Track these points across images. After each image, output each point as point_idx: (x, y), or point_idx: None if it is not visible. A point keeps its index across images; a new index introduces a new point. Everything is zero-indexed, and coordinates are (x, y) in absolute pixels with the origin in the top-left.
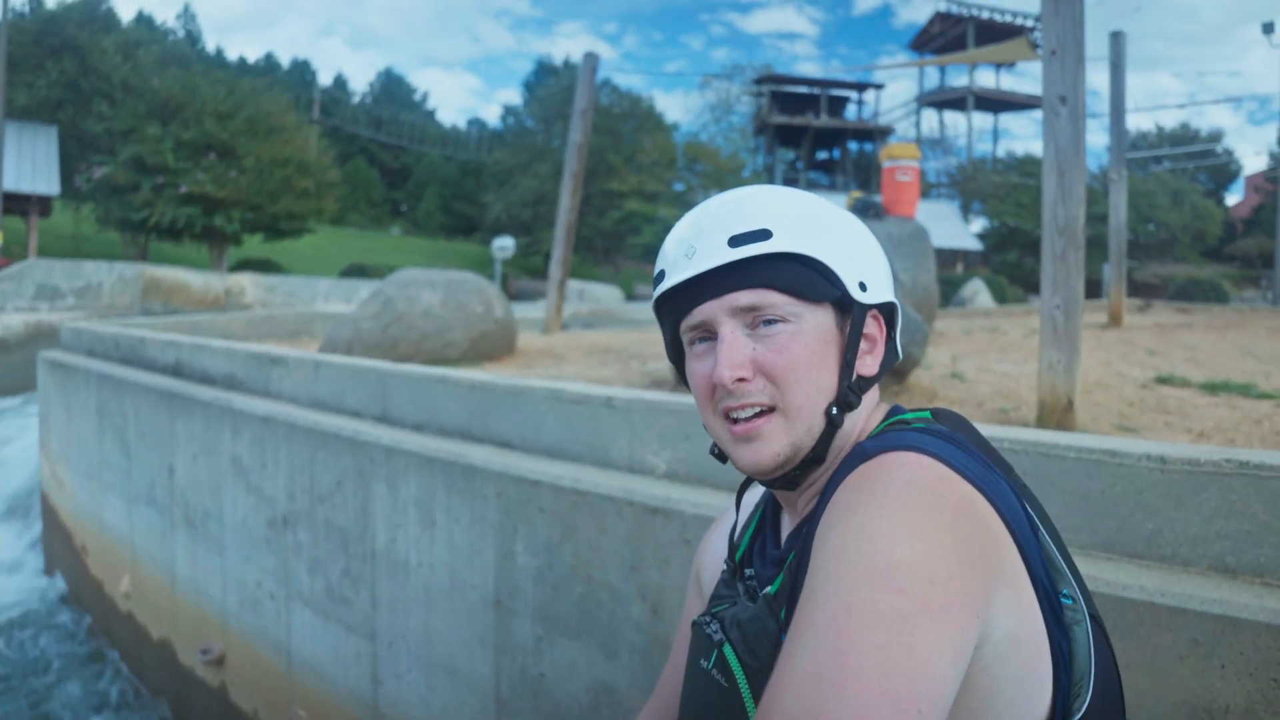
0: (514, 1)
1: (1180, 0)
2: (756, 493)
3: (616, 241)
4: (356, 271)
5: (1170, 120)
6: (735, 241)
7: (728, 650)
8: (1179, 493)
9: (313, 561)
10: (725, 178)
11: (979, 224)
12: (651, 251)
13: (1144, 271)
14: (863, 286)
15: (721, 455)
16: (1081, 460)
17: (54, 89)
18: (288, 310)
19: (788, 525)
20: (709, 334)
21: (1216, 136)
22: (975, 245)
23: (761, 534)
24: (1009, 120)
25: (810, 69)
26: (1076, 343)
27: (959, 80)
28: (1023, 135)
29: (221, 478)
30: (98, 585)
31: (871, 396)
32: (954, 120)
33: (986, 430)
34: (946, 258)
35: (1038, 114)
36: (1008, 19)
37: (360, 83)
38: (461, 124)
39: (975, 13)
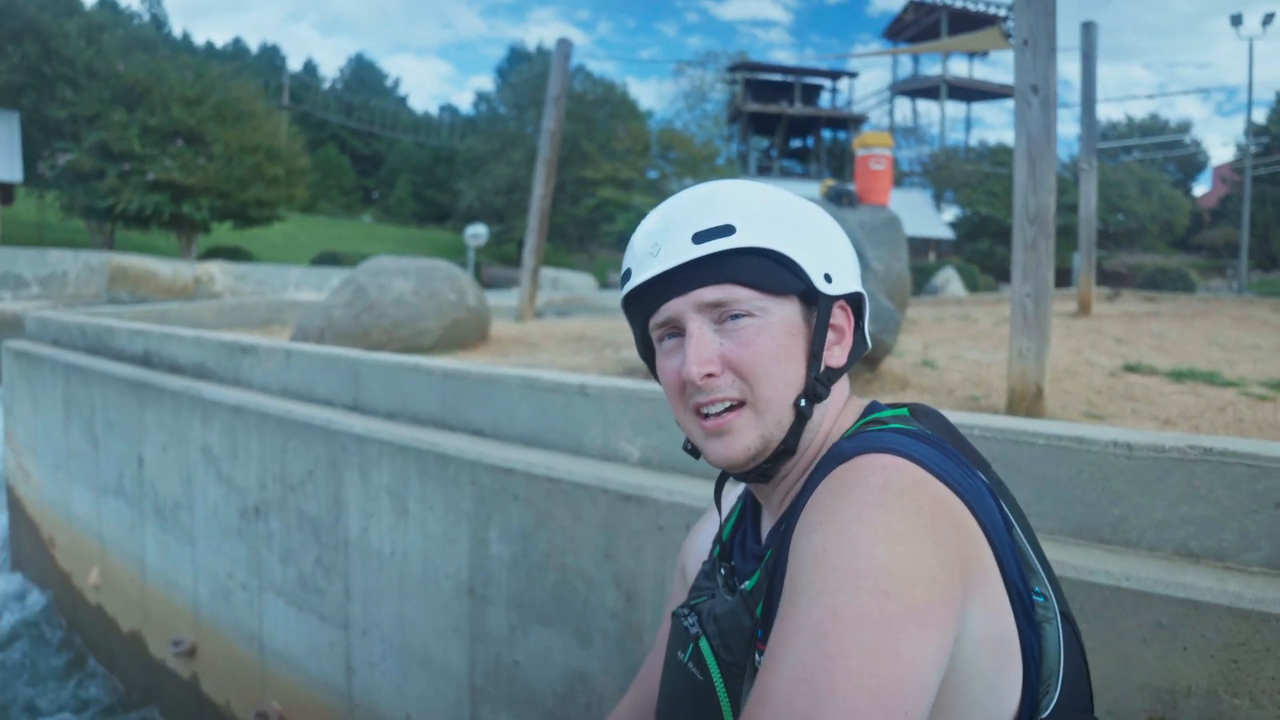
0: None
1: None
2: (734, 487)
3: (590, 229)
4: (328, 259)
5: (1140, 111)
6: (699, 238)
7: (703, 644)
8: (1145, 479)
9: (285, 551)
10: (699, 165)
11: (951, 213)
12: (625, 239)
13: (1113, 260)
14: (828, 278)
15: (694, 450)
16: (1050, 447)
17: (15, 74)
18: (258, 299)
19: (767, 520)
20: (677, 330)
21: (1185, 127)
22: (947, 234)
23: (742, 527)
24: (982, 109)
25: (784, 57)
26: (1046, 331)
27: (932, 69)
28: (995, 124)
29: (192, 468)
30: (65, 577)
31: (842, 387)
32: (927, 109)
33: (957, 418)
34: (919, 246)
35: (1010, 103)
36: (981, 8)
37: (331, 69)
38: (434, 110)
39: (949, 2)
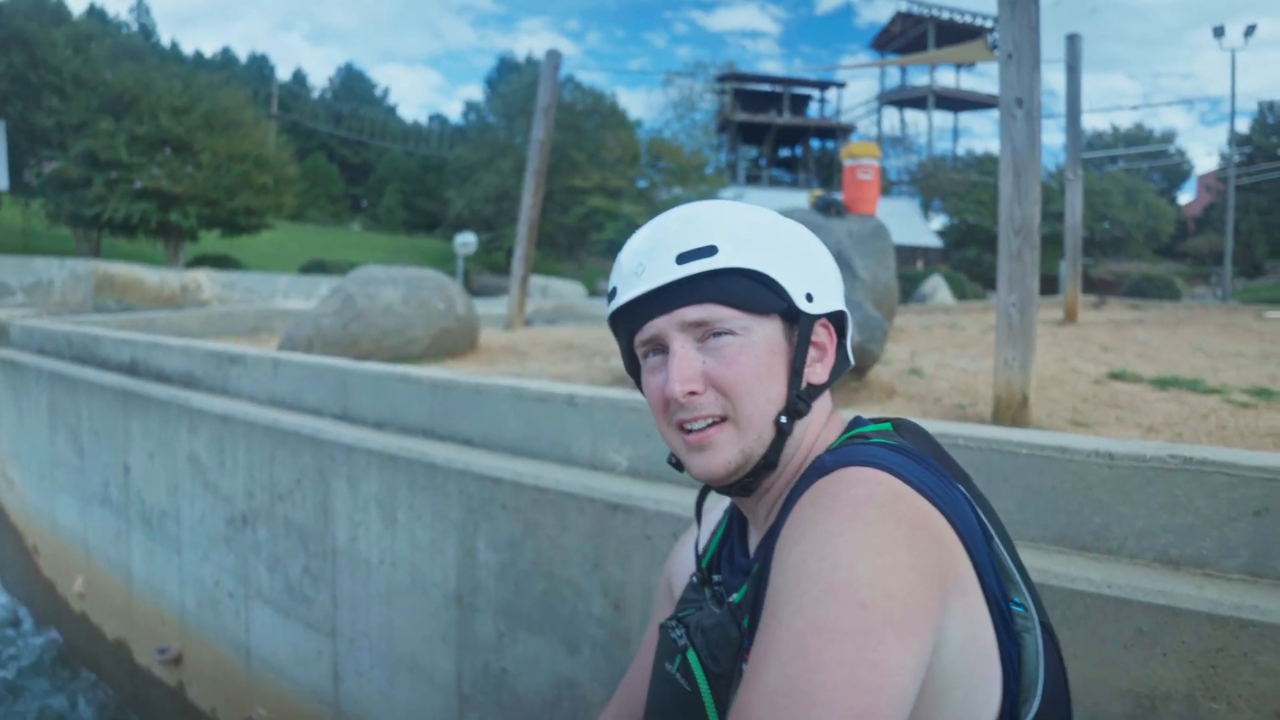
0: None
1: (1136, 3)
2: (720, 500)
3: (580, 238)
4: (316, 268)
5: (1125, 121)
6: (682, 258)
7: (691, 655)
8: (1126, 487)
9: (272, 560)
10: (688, 174)
11: (939, 221)
12: (614, 248)
13: (1099, 268)
14: (809, 297)
15: (679, 464)
16: (1033, 457)
17: (1, 82)
18: (246, 307)
19: (754, 533)
20: (661, 348)
21: (1169, 137)
22: (935, 242)
23: (729, 541)
24: (969, 119)
25: (773, 67)
26: (1031, 340)
27: (920, 79)
28: (982, 134)
29: (179, 476)
30: (50, 586)
31: (824, 402)
32: (915, 119)
33: (943, 426)
34: (907, 255)
35: (997, 113)
36: (968, 19)
37: (320, 78)
38: (423, 120)
39: (936, 13)
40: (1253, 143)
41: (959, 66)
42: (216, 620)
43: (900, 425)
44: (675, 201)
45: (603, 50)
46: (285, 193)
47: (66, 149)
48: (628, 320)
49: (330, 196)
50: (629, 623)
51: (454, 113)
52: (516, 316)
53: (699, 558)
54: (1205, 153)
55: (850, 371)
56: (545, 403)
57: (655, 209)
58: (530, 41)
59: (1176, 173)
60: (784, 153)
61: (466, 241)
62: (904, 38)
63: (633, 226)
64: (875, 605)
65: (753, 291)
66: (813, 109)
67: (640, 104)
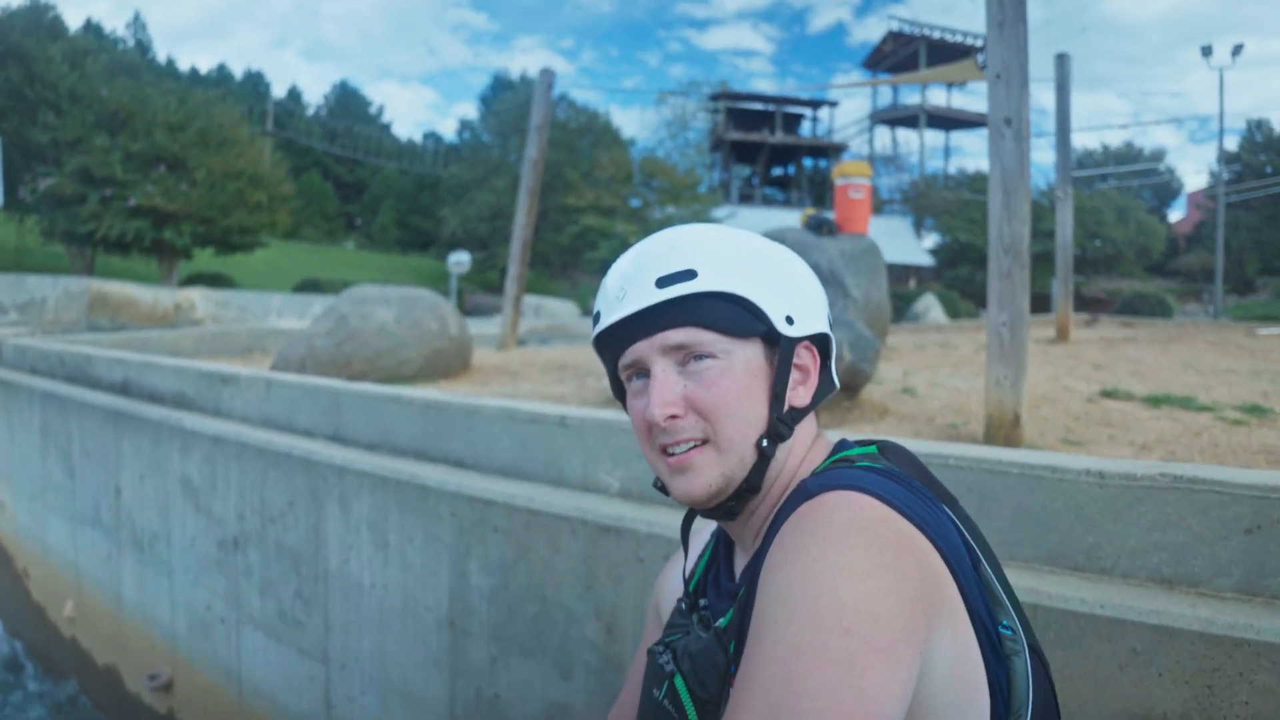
0: (471, 15)
1: (1124, 23)
2: (707, 524)
3: (573, 256)
4: (310, 286)
5: (1115, 139)
6: (662, 282)
7: (679, 681)
8: (1117, 506)
9: (264, 583)
10: (681, 193)
11: (931, 239)
12: (607, 267)
13: (1091, 286)
14: (790, 320)
15: (664, 487)
16: (1024, 476)
17: None
18: (239, 326)
19: (740, 557)
20: (643, 372)
21: (1159, 155)
22: (928, 261)
23: (715, 565)
24: (960, 138)
25: (766, 86)
26: (1022, 359)
27: (911, 98)
28: (974, 152)
29: (170, 498)
30: (40, 610)
31: (808, 425)
32: (907, 137)
33: (935, 446)
34: (899, 273)
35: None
36: (958, 39)
37: (315, 95)
38: (418, 138)
39: (927, 33)
40: (1242, 160)
41: (950, 85)
42: (207, 645)
43: (886, 448)
44: (668, 220)
45: (597, 69)
46: (280, 210)
47: (61, 165)
48: (611, 344)
49: (324, 214)
50: (622, 646)
51: (449, 131)
52: (510, 336)
53: (686, 581)
54: (1195, 170)
55: (843, 390)
56: (537, 424)
57: (648, 228)
58: (525, 60)
59: (1166, 190)
60: (777, 171)
61: (460, 260)
62: (895, 57)
63: (626, 245)
64: (860, 631)
65: (733, 315)
66: (805, 128)
67: (634, 123)
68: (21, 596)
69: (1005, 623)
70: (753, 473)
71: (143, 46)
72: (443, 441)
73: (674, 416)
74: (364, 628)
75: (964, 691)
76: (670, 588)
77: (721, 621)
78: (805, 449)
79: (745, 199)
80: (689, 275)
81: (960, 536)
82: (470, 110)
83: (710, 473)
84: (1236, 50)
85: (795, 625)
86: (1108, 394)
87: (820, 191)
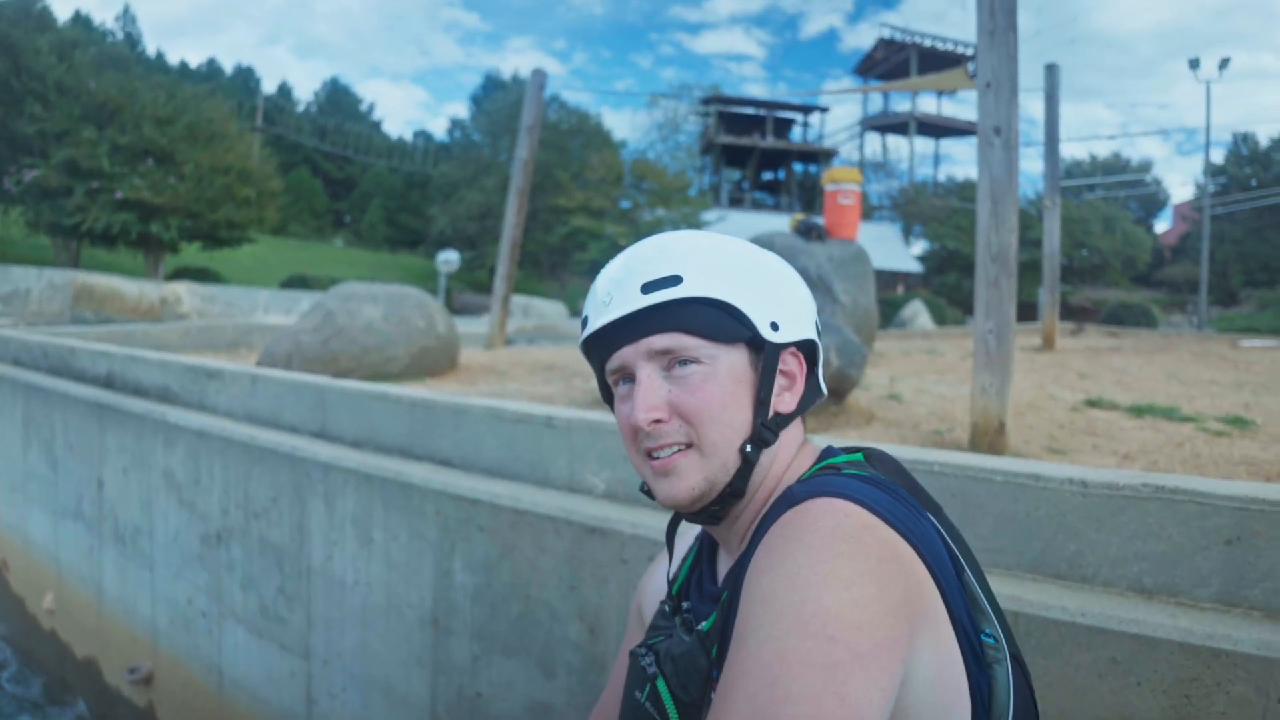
0: (463, 15)
1: (1113, 35)
2: (692, 527)
3: (562, 257)
4: (298, 282)
5: (1103, 150)
6: (647, 288)
7: (660, 684)
8: (1099, 515)
9: (246, 579)
10: (671, 196)
11: (920, 246)
12: (597, 268)
13: (1077, 295)
14: (774, 326)
15: (650, 490)
16: (1008, 484)
17: None
18: (226, 321)
19: (724, 561)
20: (630, 376)
21: (1146, 166)
22: (916, 267)
23: (699, 568)
24: (950, 145)
25: (757, 90)
26: (1008, 367)
27: (902, 105)
28: (964, 160)
29: (153, 492)
30: (19, 602)
31: (794, 431)
32: (896, 144)
33: (920, 453)
34: (887, 279)
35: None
36: (949, 47)
37: (305, 92)
38: (408, 136)
39: (918, 40)
40: (1228, 173)
41: (941, 93)
42: (189, 640)
43: (872, 455)
44: (658, 222)
45: (589, 70)
46: (268, 206)
47: (48, 157)
48: (599, 348)
49: (313, 211)
50: (605, 646)
51: (439, 129)
52: (497, 336)
53: (670, 583)
54: (1181, 182)
55: (829, 396)
56: (524, 424)
57: (638, 230)
58: (517, 60)
59: (1153, 201)
60: (767, 176)
61: (449, 259)
62: (887, 64)
63: (615, 247)
64: (843, 638)
65: (717, 320)
66: (796, 133)
67: (625, 125)
68: (1, 588)
69: (988, 631)
70: (736, 477)
71: (132, 40)
72: (429, 440)
73: (658, 421)
74: (346, 624)
75: (945, 699)
76: (653, 589)
77: (704, 625)
78: (791, 455)
79: (735, 203)
80: (674, 281)
81: (944, 544)
82: (461, 110)
83: (693, 476)
84: (1224, 64)
85: (779, 631)
86: (1092, 403)
87: (810, 196)
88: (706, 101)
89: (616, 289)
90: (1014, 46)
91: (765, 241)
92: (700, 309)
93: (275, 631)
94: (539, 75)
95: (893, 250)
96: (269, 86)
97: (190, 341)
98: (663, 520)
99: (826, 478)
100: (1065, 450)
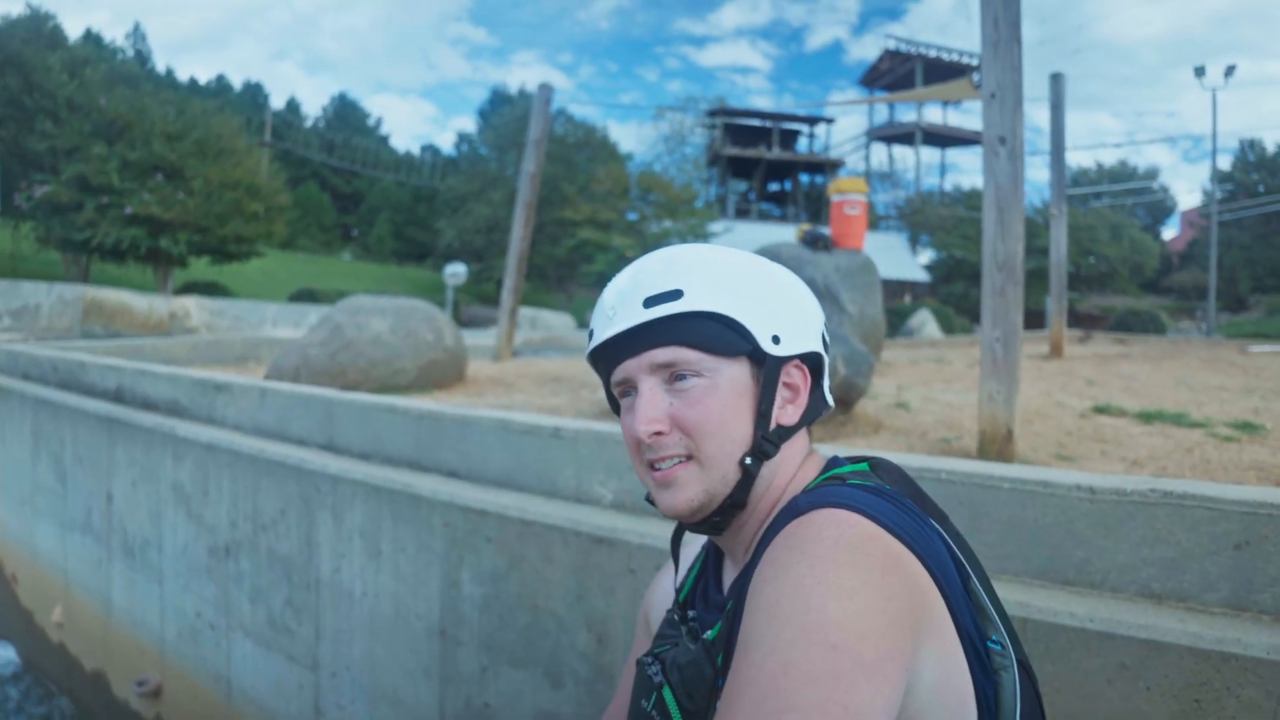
0: (470, 30)
1: (1118, 44)
2: (698, 537)
3: (569, 269)
4: (306, 296)
5: (1109, 158)
6: (649, 302)
7: (667, 693)
8: (1108, 521)
9: (255, 591)
10: (678, 208)
11: (926, 255)
12: (604, 280)
13: (1085, 303)
14: (776, 339)
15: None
16: (1016, 491)
17: None
18: (234, 335)
19: (729, 570)
20: (633, 389)
21: (1153, 174)
22: (922, 276)
23: (705, 578)
24: (956, 155)
25: (763, 103)
26: (1015, 375)
27: (907, 116)
28: (969, 169)
29: (162, 505)
30: (28, 615)
31: (799, 442)
32: (902, 154)
33: (927, 461)
34: (894, 289)
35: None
36: (954, 58)
37: (313, 107)
38: (415, 150)
39: (923, 51)
40: (1234, 180)
41: (946, 103)
42: (197, 652)
43: (877, 465)
44: (665, 234)
45: (595, 84)
46: (276, 221)
47: (58, 173)
48: (605, 360)
49: (321, 225)
50: (612, 656)
51: (446, 143)
52: (505, 348)
53: (676, 592)
54: (1188, 189)
55: (837, 405)
56: (531, 435)
57: (645, 241)
58: (523, 74)
59: (1160, 209)
60: (773, 187)
61: (456, 272)
62: (892, 75)
63: (622, 259)
64: (847, 648)
65: (718, 334)
66: (802, 144)
67: (631, 137)
68: (9, 601)
69: (994, 638)
70: (737, 489)
71: (142, 57)
72: (436, 452)
73: (658, 433)
74: (354, 636)
75: (950, 707)
76: (659, 598)
77: (710, 634)
78: (796, 466)
79: (741, 214)
80: (675, 295)
81: (949, 554)
82: (468, 124)
83: (693, 488)
84: (1229, 71)
85: (783, 641)
86: (1100, 410)
87: (816, 207)
88: (712, 114)
89: (621, 302)
90: (1018, 57)
91: (772, 252)
92: (701, 323)
93: (283, 643)
94: (545, 89)
95: (899, 260)
96: (277, 102)
97: (199, 355)
98: (670, 530)
99: (831, 488)
100: (1073, 457)
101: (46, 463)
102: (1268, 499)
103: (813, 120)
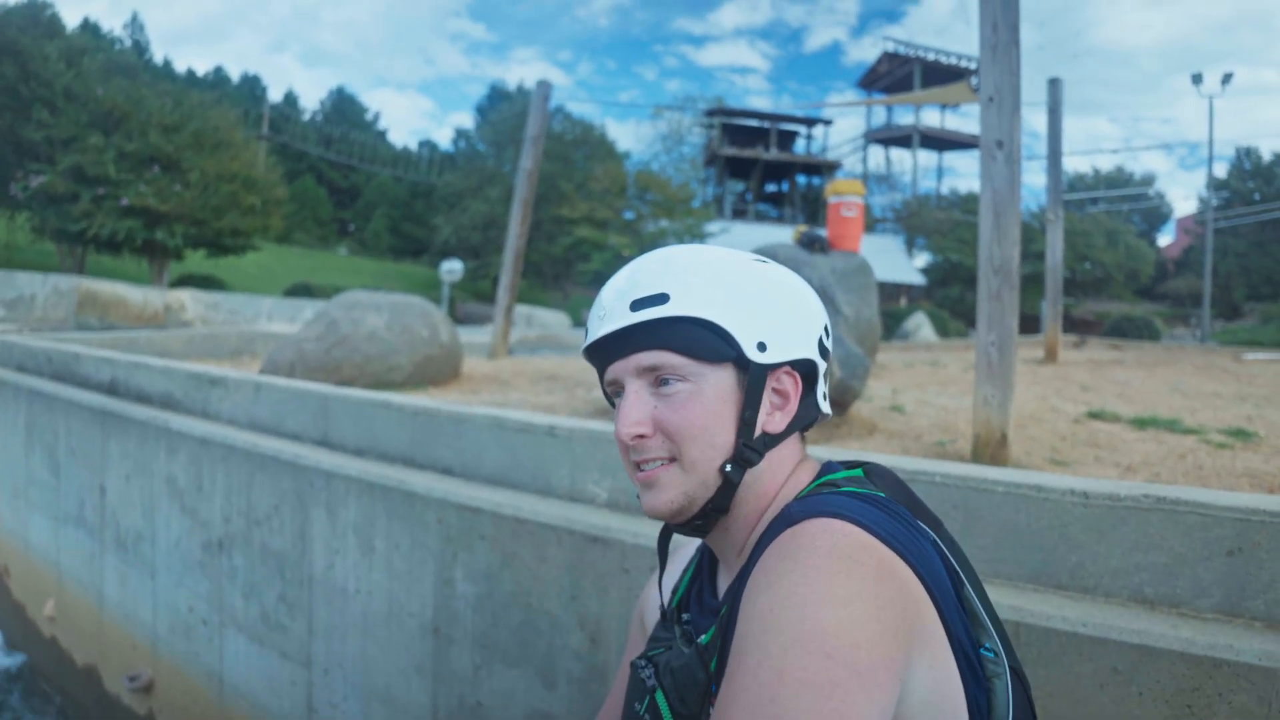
0: (469, 25)
1: (1116, 50)
2: (693, 540)
3: (566, 267)
4: (302, 291)
5: (1106, 163)
6: (636, 305)
7: (659, 697)
8: (1101, 526)
9: (248, 586)
10: (675, 207)
11: (923, 259)
12: (600, 278)
13: (1080, 308)
14: (761, 347)
15: None
16: (1009, 495)
17: None
18: (229, 329)
19: (723, 575)
20: (621, 390)
21: (1149, 180)
22: (919, 279)
23: (699, 580)
24: (953, 158)
25: (761, 103)
26: (1010, 379)
27: (905, 118)
28: (966, 173)
29: (155, 499)
30: (20, 608)
31: (789, 449)
32: (900, 157)
33: (922, 464)
34: (890, 291)
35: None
36: (953, 62)
37: (311, 100)
38: (413, 145)
39: (922, 54)
40: (1230, 187)
41: (944, 107)
42: (189, 647)
43: (872, 471)
44: (661, 233)
45: (593, 81)
46: (273, 214)
47: (54, 163)
48: (597, 359)
49: (318, 219)
50: (606, 656)
51: (444, 139)
52: (500, 345)
53: (671, 594)
54: (1184, 196)
55: (833, 407)
56: (526, 433)
57: (641, 241)
58: (522, 70)
59: (1156, 215)
60: (770, 188)
61: (453, 269)
62: (890, 77)
63: (619, 258)
64: (840, 656)
65: (703, 340)
66: (799, 145)
67: (629, 136)
68: (1, 595)
69: (987, 645)
70: (718, 495)
71: (140, 47)
72: (431, 449)
73: (641, 436)
74: (348, 633)
75: (942, 715)
76: (655, 599)
77: (703, 638)
78: (787, 472)
79: (739, 214)
80: (661, 299)
81: (942, 561)
82: (466, 119)
83: (673, 490)
84: (1226, 79)
85: (777, 649)
86: (1094, 415)
87: (813, 209)
88: (710, 114)
89: (613, 303)
90: (1016, 61)
91: (769, 253)
92: (687, 328)
93: (276, 639)
94: (544, 86)
95: (896, 262)
96: (275, 95)
97: (194, 349)
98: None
99: (824, 496)
100: (1067, 462)
101: (40, 455)
102: (1260, 506)
103: (810, 121)
